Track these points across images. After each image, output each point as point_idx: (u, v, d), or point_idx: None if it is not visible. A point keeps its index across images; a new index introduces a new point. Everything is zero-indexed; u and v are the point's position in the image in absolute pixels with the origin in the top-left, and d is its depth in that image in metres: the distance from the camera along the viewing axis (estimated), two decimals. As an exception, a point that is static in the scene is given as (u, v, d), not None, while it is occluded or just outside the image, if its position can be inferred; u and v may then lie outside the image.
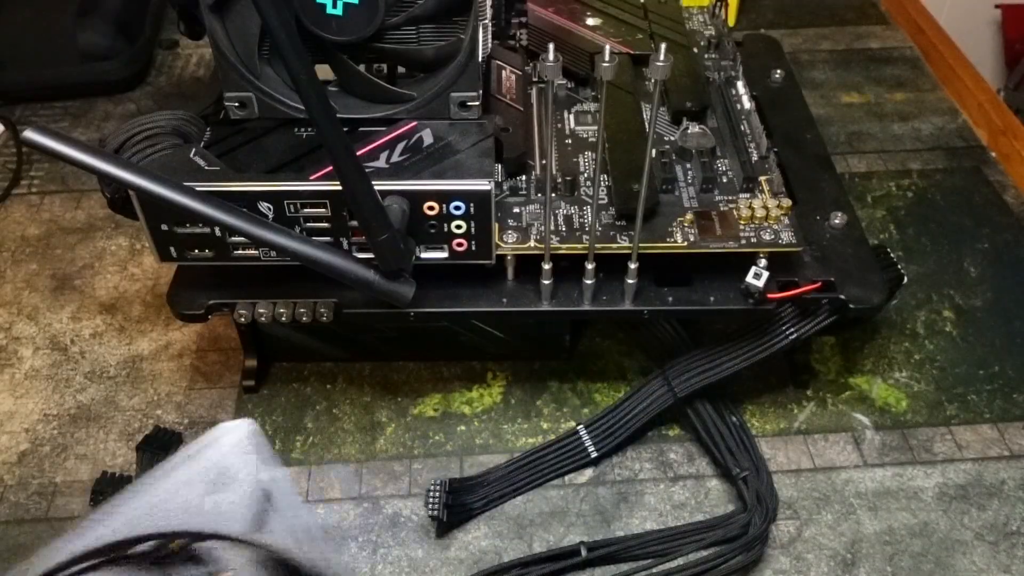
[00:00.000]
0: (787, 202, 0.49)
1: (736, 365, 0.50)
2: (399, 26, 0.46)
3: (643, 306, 0.49)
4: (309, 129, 0.49)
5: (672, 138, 0.55)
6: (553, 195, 0.51)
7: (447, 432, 0.55)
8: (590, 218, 0.49)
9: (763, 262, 0.48)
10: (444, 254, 0.47)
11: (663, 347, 0.55)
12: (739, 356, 0.50)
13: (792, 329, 0.49)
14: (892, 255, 0.53)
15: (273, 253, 0.47)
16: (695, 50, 0.62)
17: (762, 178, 0.51)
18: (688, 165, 0.53)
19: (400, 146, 0.47)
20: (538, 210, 0.50)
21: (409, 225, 0.45)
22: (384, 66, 0.52)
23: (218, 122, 0.50)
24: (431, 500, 0.48)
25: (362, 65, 0.49)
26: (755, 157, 0.53)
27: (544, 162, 0.52)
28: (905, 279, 0.53)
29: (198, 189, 0.42)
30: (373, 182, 0.41)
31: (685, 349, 0.53)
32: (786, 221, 0.49)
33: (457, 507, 0.49)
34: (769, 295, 0.48)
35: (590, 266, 0.48)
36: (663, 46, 0.39)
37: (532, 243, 0.48)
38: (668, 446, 0.54)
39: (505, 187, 0.51)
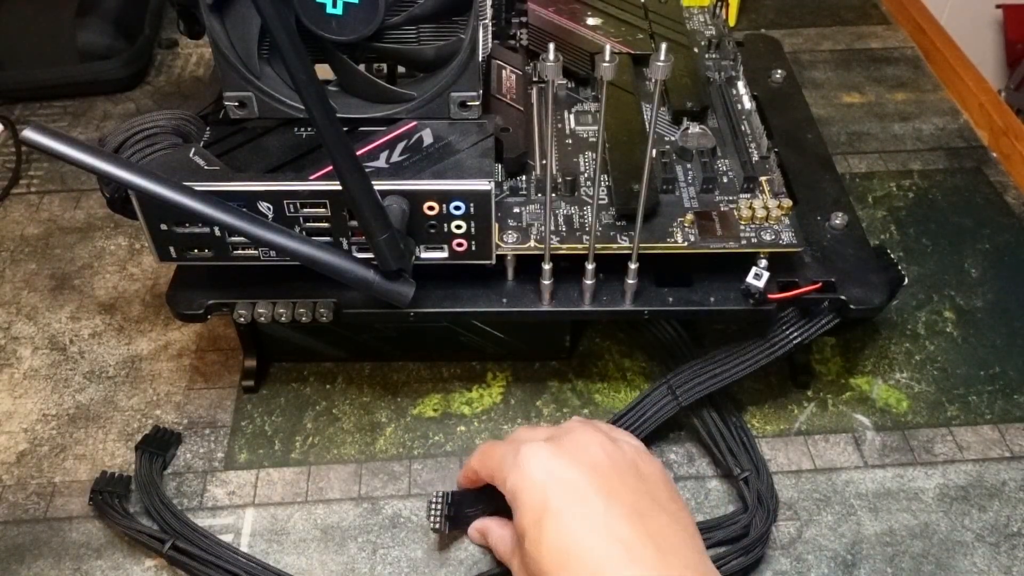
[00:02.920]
0: (788, 202, 0.49)
1: (740, 372, 0.50)
2: (399, 26, 0.46)
3: (643, 306, 0.49)
4: (309, 129, 0.49)
5: (672, 138, 0.55)
6: (553, 195, 0.51)
7: (447, 432, 0.55)
8: (590, 218, 0.49)
9: (763, 262, 0.48)
10: (444, 254, 0.47)
11: (663, 347, 0.55)
12: (742, 362, 0.50)
13: (796, 333, 0.49)
14: (892, 256, 0.53)
15: (273, 253, 0.47)
16: (696, 50, 0.62)
17: (762, 178, 0.51)
18: (688, 165, 0.53)
19: (400, 146, 0.47)
20: (538, 210, 0.50)
21: (409, 225, 0.45)
22: (384, 66, 0.52)
23: (218, 122, 0.50)
24: (432, 512, 0.47)
25: (362, 65, 0.49)
26: (756, 157, 0.53)
27: (544, 162, 0.52)
28: (905, 280, 0.53)
29: (198, 189, 0.42)
30: (373, 182, 0.41)
31: (686, 350, 0.53)
32: (787, 221, 0.49)
33: (459, 518, 0.48)
34: (770, 295, 0.48)
35: (590, 266, 0.48)
36: (664, 46, 0.39)
37: (532, 243, 0.48)
38: (668, 446, 0.54)
39: (505, 187, 0.51)
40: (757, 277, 0.48)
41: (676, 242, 0.48)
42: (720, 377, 0.50)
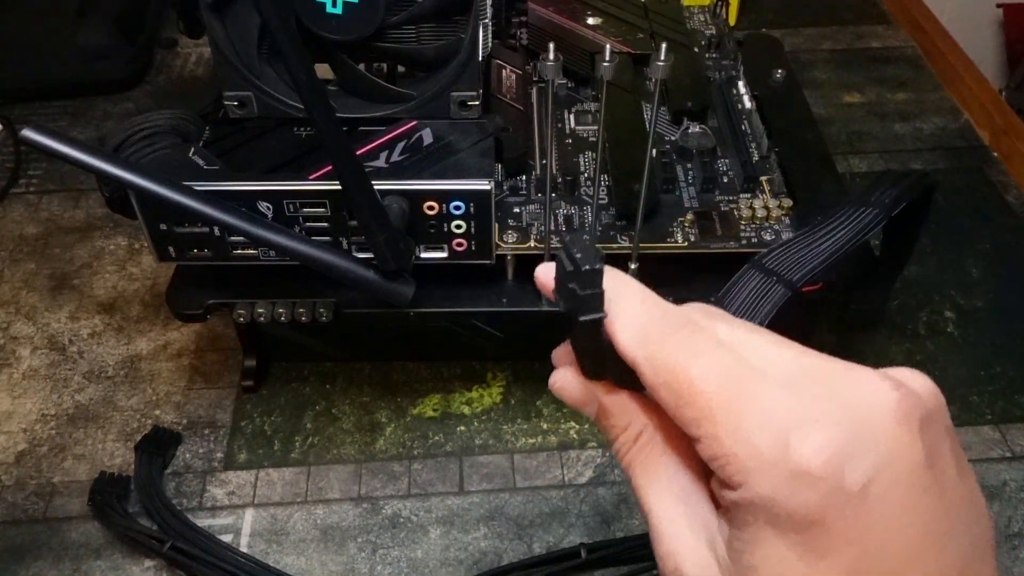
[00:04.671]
0: (788, 202, 0.49)
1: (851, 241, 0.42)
2: (399, 25, 0.46)
3: (643, 306, 0.49)
4: (309, 128, 0.49)
5: (672, 138, 0.55)
6: (553, 195, 0.50)
7: (447, 432, 0.54)
8: (590, 218, 0.49)
9: (764, 262, 0.48)
10: (444, 254, 0.47)
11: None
12: (851, 229, 0.42)
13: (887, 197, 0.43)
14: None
15: (272, 253, 0.47)
16: (696, 50, 0.62)
17: (763, 178, 0.51)
18: (688, 165, 0.53)
19: (400, 146, 0.47)
20: (538, 210, 0.50)
21: (409, 225, 0.45)
22: (384, 65, 0.52)
23: (217, 121, 0.50)
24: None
25: (362, 64, 0.49)
26: (756, 157, 0.53)
27: (544, 162, 0.52)
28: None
29: (197, 188, 0.42)
30: (373, 182, 0.41)
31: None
32: (787, 221, 0.49)
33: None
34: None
35: (590, 266, 0.48)
36: (664, 46, 0.39)
37: (532, 243, 0.48)
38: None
39: (505, 187, 0.51)
40: None
41: (676, 242, 0.48)
42: (828, 250, 0.41)
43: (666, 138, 0.55)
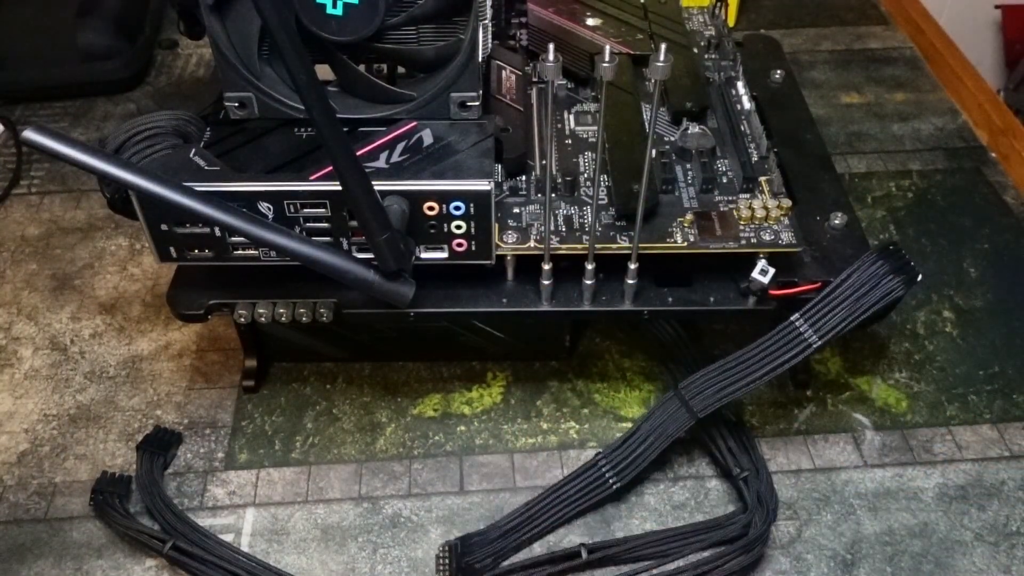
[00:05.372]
0: (787, 202, 0.49)
1: (756, 380, 0.47)
2: (399, 26, 0.46)
3: (643, 306, 0.49)
4: (309, 129, 0.49)
5: (672, 138, 0.55)
6: (553, 195, 0.51)
7: (447, 432, 0.55)
8: (590, 218, 0.49)
9: (762, 262, 0.48)
10: (444, 254, 0.47)
11: (663, 347, 0.55)
12: (758, 370, 0.47)
13: (813, 335, 0.47)
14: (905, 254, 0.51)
15: (273, 253, 0.47)
16: (695, 50, 0.62)
17: (762, 178, 0.51)
18: (688, 165, 0.53)
19: (400, 146, 0.47)
20: (538, 210, 0.50)
21: (409, 225, 0.45)
22: (384, 66, 0.52)
23: (218, 122, 0.50)
24: (441, 568, 0.46)
25: (362, 65, 0.49)
26: (755, 157, 0.53)
27: (544, 162, 0.52)
28: (919, 277, 0.49)
29: (198, 189, 0.42)
30: (373, 182, 0.41)
31: (686, 350, 0.53)
32: (786, 221, 0.49)
33: (470, 569, 0.47)
34: (771, 292, 0.48)
35: (590, 266, 0.48)
36: (663, 46, 0.39)
37: (532, 243, 0.48)
38: (668, 446, 0.54)
39: (505, 187, 0.51)
40: (763, 273, 0.48)
41: (676, 242, 0.48)
42: (736, 385, 0.47)
43: (666, 138, 0.55)
